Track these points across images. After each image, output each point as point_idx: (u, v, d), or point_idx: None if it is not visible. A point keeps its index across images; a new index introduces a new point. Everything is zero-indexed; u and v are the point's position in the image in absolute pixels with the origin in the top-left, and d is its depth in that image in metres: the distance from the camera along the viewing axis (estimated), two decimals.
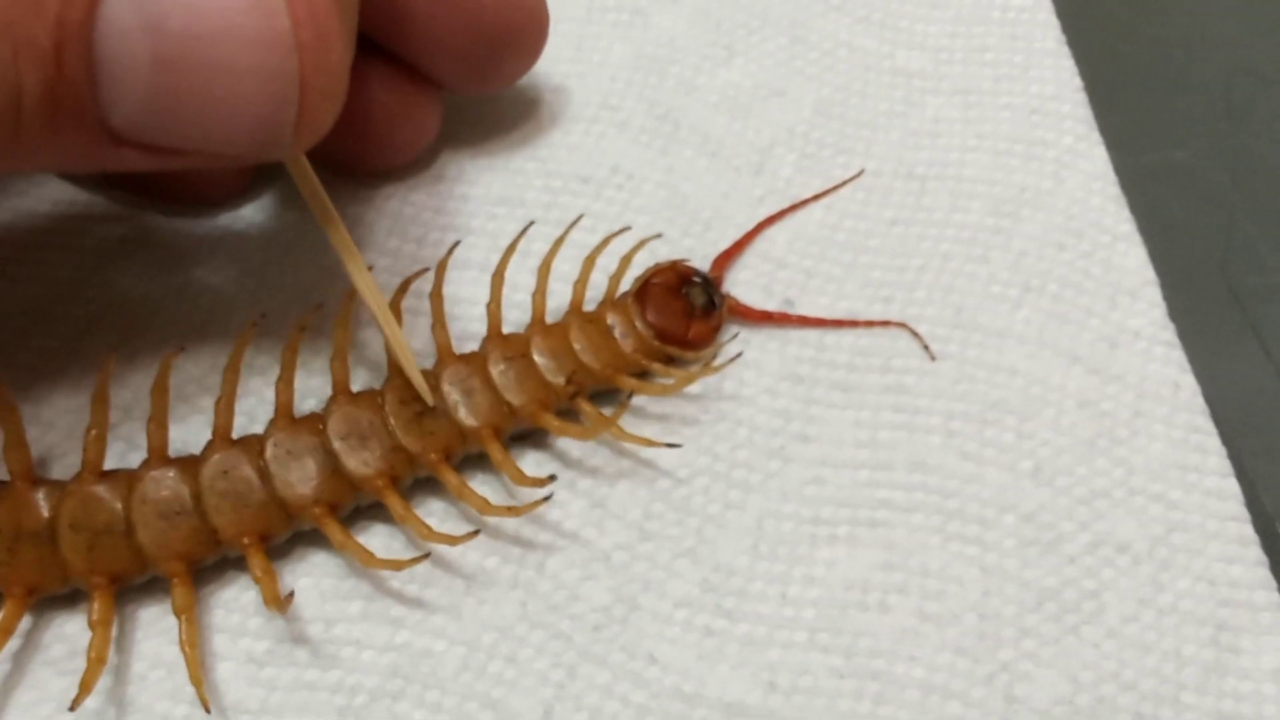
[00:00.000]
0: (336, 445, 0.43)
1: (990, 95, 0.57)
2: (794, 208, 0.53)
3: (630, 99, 0.56)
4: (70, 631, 0.43)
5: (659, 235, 0.51)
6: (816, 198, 0.53)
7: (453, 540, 0.42)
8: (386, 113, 0.49)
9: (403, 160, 0.52)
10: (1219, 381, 0.49)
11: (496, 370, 0.45)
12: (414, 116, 0.50)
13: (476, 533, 0.43)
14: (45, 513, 0.41)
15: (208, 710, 0.40)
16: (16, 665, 0.42)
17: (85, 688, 0.40)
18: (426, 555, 0.43)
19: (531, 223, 0.50)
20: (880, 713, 0.41)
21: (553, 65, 0.57)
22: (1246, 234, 0.53)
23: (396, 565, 0.42)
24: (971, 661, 0.42)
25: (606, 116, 0.56)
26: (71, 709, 0.39)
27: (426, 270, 0.48)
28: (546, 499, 0.44)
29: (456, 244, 0.49)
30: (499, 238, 0.51)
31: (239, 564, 0.44)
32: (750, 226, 0.52)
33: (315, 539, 0.44)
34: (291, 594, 0.42)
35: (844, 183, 0.54)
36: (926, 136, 0.56)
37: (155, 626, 0.43)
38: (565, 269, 0.50)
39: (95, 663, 0.40)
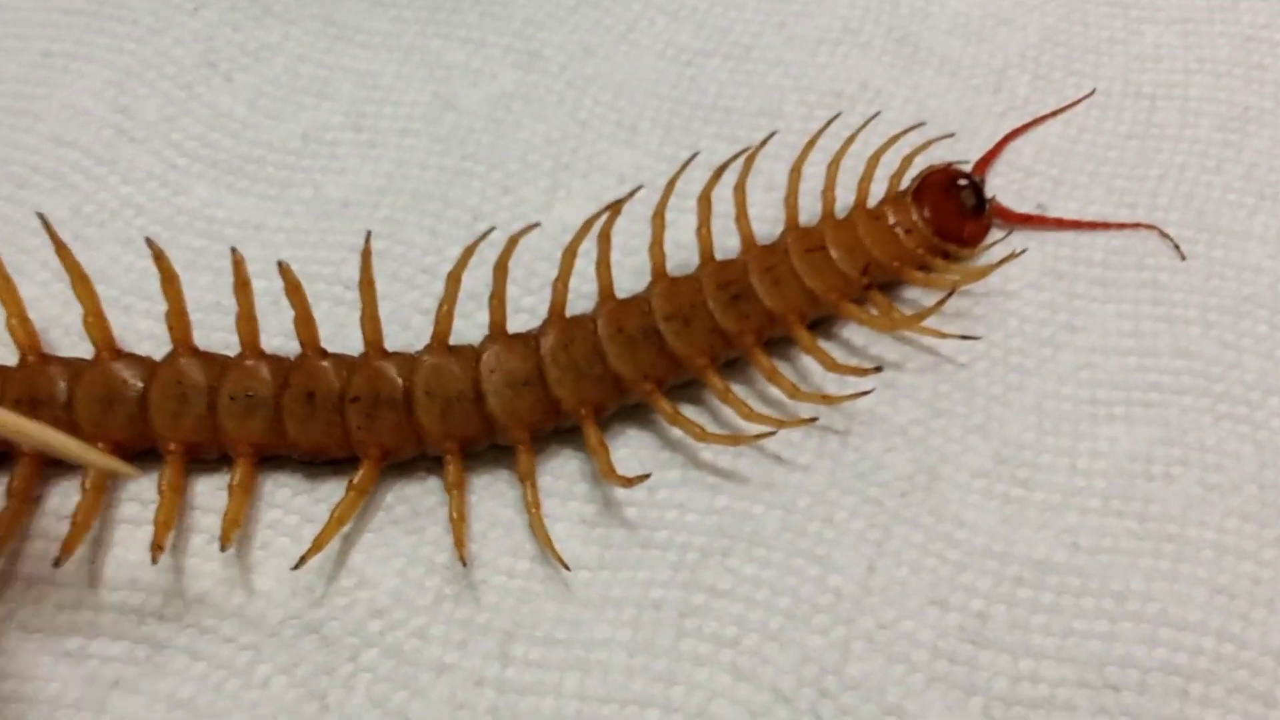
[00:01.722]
0: (662, 325, 0.46)
1: (1205, 24, 0.60)
2: (1037, 121, 0.56)
3: (869, 24, 0.60)
4: (410, 494, 0.46)
5: (952, 135, 0.54)
6: (1055, 113, 0.56)
7: (780, 423, 0.45)
8: None
9: None
10: None
11: (798, 260, 0.48)
12: None
13: (814, 419, 0.46)
14: (400, 381, 0.45)
15: (565, 566, 0.44)
16: (367, 523, 0.45)
17: (459, 542, 0.43)
18: (772, 433, 0.45)
19: (838, 114, 0.53)
20: (1180, 570, 0.44)
21: None
22: None
23: (734, 440, 0.45)
24: (1258, 526, 0.45)
25: (850, 39, 0.59)
26: (463, 563, 0.43)
27: (735, 159, 0.50)
28: (868, 392, 0.47)
29: (772, 134, 0.52)
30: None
31: (562, 437, 0.47)
32: (995, 139, 0.55)
33: (630, 416, 0.48)
34: (645, 476, 0.44)
35: (1078, 100, 0.57)
36: (1150, 60, 0.59)
37: (489, 491, 0.46)
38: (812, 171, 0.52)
39: (458, 521, 0.43)
